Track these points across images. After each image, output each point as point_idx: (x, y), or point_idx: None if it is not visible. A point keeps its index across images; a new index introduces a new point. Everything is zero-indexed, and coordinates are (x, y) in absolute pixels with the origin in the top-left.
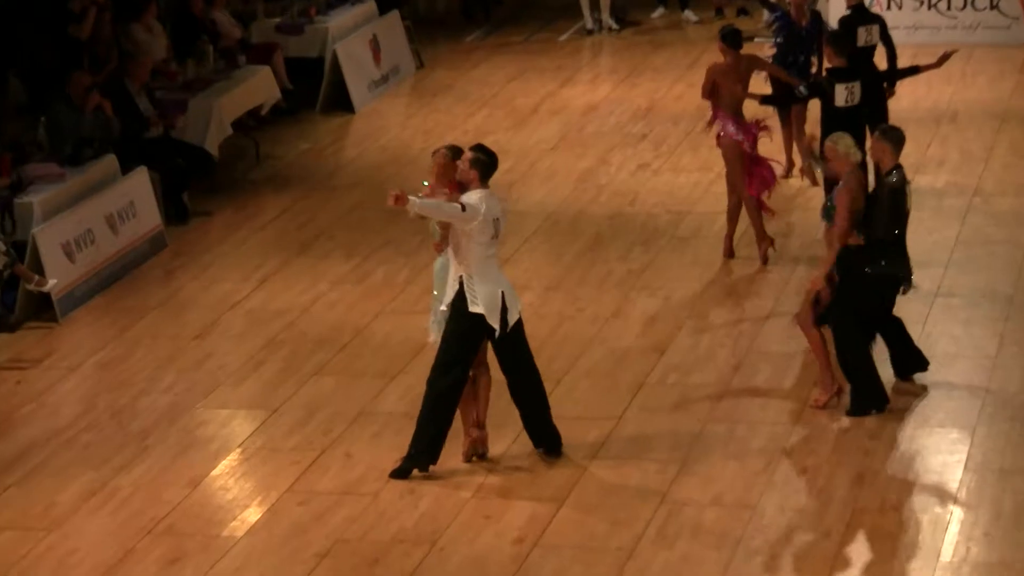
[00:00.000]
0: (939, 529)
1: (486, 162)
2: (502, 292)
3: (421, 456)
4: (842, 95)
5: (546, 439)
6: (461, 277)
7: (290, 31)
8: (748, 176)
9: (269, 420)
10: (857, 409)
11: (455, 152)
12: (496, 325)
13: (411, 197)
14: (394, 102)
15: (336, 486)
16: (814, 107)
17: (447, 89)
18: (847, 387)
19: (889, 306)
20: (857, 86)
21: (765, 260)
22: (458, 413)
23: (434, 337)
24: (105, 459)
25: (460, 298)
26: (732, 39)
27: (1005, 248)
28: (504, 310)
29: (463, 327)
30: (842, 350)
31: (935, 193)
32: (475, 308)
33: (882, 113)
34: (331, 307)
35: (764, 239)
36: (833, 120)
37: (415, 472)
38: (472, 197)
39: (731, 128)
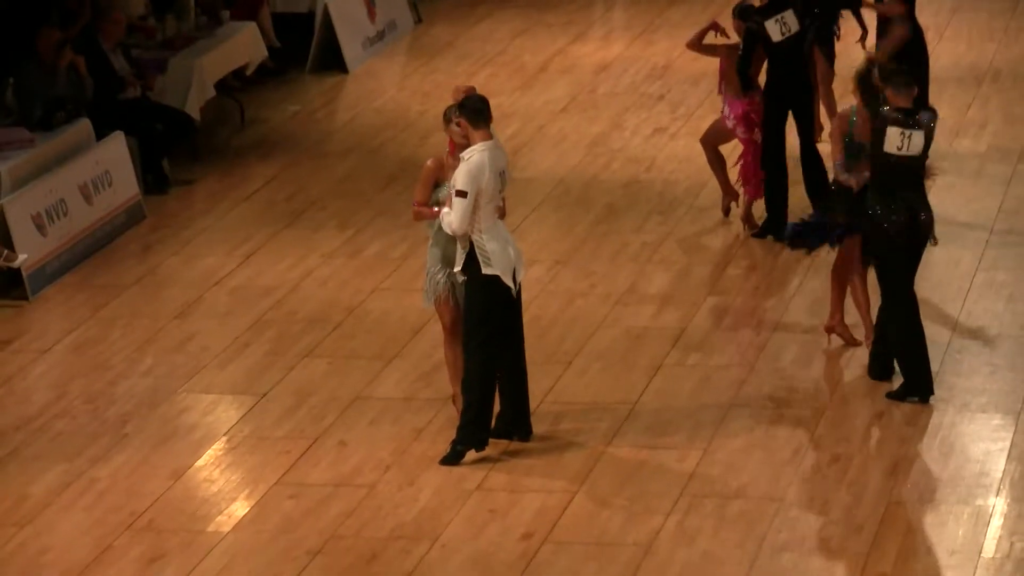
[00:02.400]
0: (981, 523)
1: (470, 107)
2: (511, 250)
3: (469, 439)
4: (776, 30)
5: (522, 427)
6: (470, 238)
7: None
8: (749, 173)
9: (257, 406)
10: (898, 394)
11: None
12: (510, 283)
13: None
14: (390, 61)
15: (329, 478)
16: (841, 68)
17: (447, 47)
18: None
19: (905, 259)
20: (789, 14)
21: (726, 212)
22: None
23: (427, 305)
24: (80, 449)
25: (471, 261)
26: (746, 18)
27: None
28: (514, 269)
29: (483, 295)
30: (890, 325)
31: (976, 158)
32: (488, 270)
33: (924, 70)
34: (322, 284)
35: (730, 193)
36: (777, 56)
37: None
38: (467, 164)
39: (727, 110)
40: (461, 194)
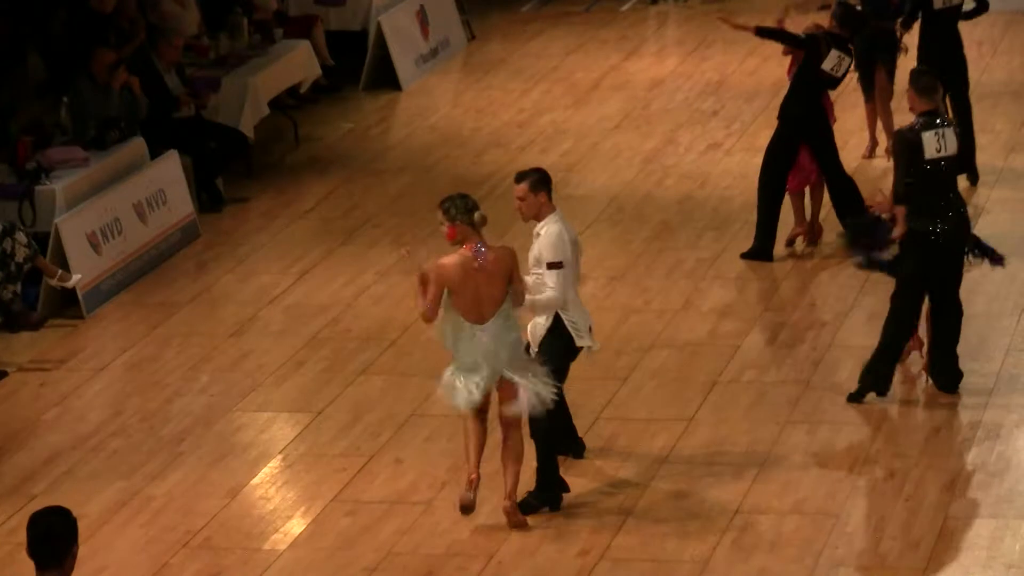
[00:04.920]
0: None
1: (543, 178)
2: (587, 315)
3: (549, 498)
4: (831, 61)
5: (575, 444)
6: (556, 314)
7: (330, 2)
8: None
9: (312, 424)
10: (856, 394)
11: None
12: (590, 343)
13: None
14: (444, 78)
15: (385, 495)
16: (900, 81)
17: (501, 63)
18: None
19: (935, 275)
20: (847, 61)
21: (789, 243)
22: (472, 448)
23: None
24: (136, 467)
25: (560, 334)
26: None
27: None
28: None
29: (565, 357)
30: (888, 325)
31: None
32: (581, 341)
33: (961, 82)
34: (378, 301)
35: (802, 223)
36: (814, 80)
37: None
38: (548, 242)
39: None
40: (555, 265)
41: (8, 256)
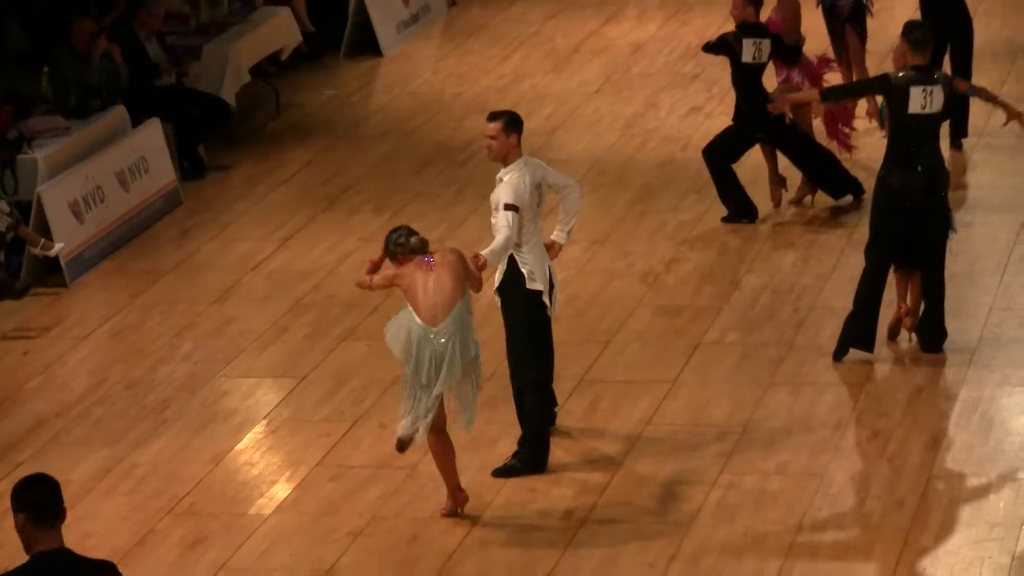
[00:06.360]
0: (1022, 496)
1: (515, 119)
2: (548, 266)
3: (532, 462)
4: (750, 51)
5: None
6: (511, 257)
7: None
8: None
9: (296, 389)
10: (837, 351)
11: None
12: (549, 303)
13: (482, 254)
14: (424, 44)
15: (370, 459)
16: (874, 46)
17: (481, 29)
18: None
19: (904, 231)
20: (766, 43)
21: (797, 202)
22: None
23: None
24: (120, 434)
25: (512, 278)
26: None
27: None
28: (551, 287)
29: (527, 311)
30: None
31: (1012, 133)
32: (533, 285)
33: (966, 55)
34: (360, 266)
35: (777, 182)
36: (743, 76)
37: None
38: (508, 186)
39: (795, 75)
40: (510, 207)
41: None
